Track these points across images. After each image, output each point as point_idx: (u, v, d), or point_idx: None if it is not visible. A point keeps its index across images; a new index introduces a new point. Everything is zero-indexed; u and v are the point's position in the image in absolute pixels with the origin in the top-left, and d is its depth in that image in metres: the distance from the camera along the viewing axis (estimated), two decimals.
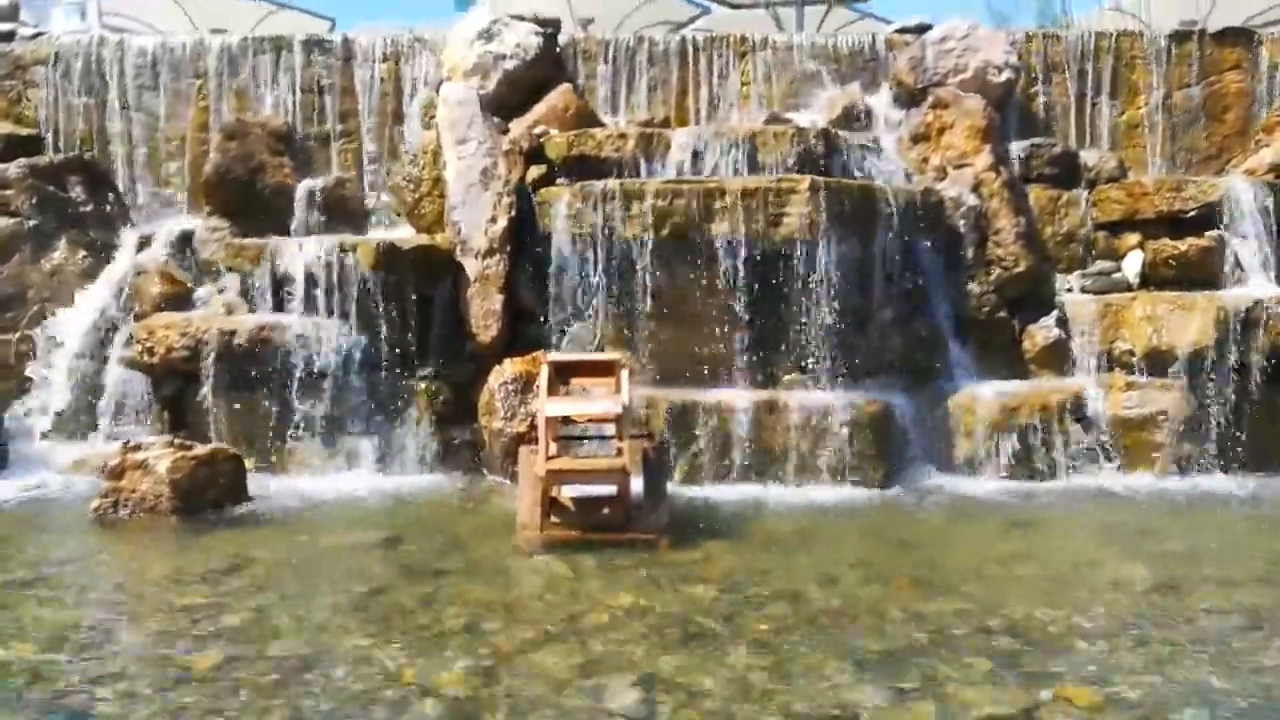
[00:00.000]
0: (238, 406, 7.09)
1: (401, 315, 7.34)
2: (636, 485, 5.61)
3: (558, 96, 8.76)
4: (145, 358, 7.23)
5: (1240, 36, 9.56)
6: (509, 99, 8.78)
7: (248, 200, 8.69)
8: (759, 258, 7.01)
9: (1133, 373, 7.40)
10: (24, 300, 8.16)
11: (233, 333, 7.05)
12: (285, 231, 8.55)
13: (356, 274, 7.25)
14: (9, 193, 8.28)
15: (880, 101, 9.23)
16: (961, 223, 7.92)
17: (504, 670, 3.82)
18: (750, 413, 6.84)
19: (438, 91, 8.65)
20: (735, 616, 4.40)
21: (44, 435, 7.65)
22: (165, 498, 6.00)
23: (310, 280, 7.30)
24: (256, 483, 6.57)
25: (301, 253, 7.39)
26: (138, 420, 7.64)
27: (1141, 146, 9.51)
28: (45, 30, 10.08)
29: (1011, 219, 7.97)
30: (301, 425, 7.08)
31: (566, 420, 5.84)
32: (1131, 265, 8.16)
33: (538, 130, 8.28)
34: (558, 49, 9.31)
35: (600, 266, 7.20)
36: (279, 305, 7.44)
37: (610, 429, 5.78)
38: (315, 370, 7.09)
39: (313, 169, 9.35)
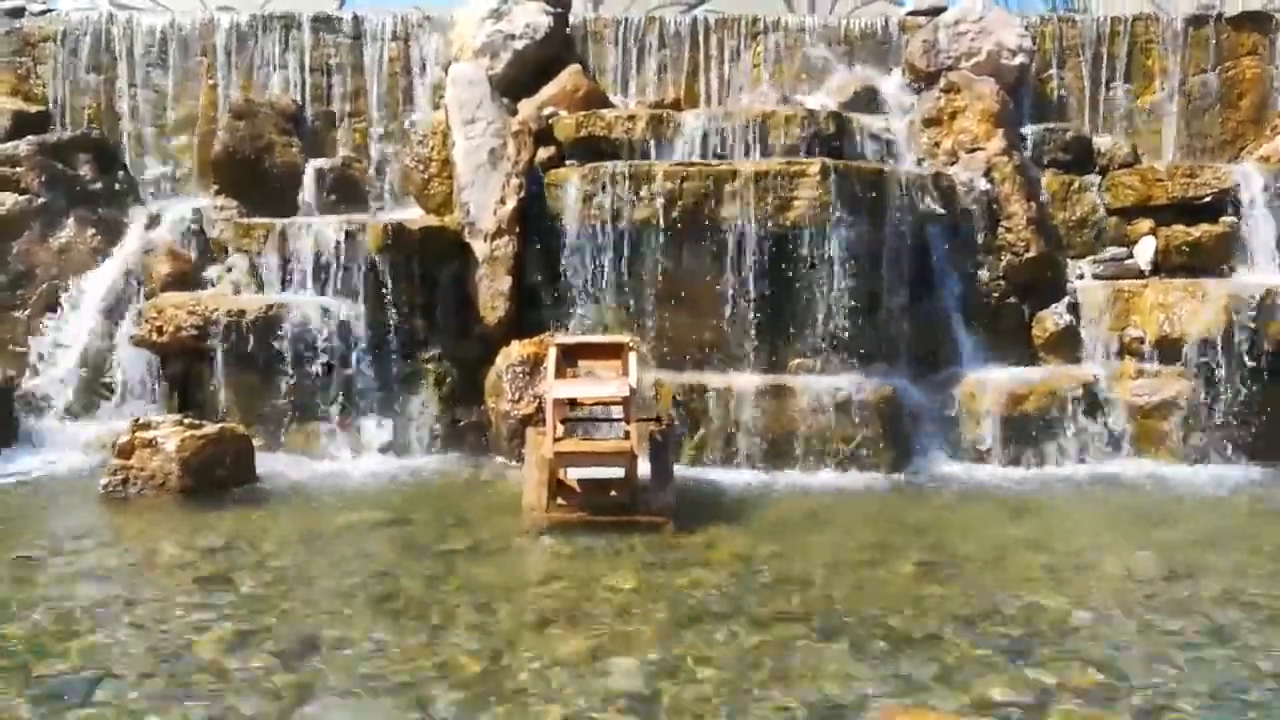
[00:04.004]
0: (246, 386, 7.09)
1: (409, 296, 7.33)
2: (643, 468, 5.61)
3: (567, 77, 8.71)
4: (154, 336, 7.23)
5: (1258, 21, 9.44)
6: (518, 79, 8.72)
7: (255, 180, 8.68)
8: (769, 241, 6.98)
9: (1143, 360, 7.35)
10: (33, 278, 8.16)
11: (241, 312, 7.05)
12: (293, 211, 8.54)
13: (364, 255, 7.23)
14: (18, 170, 8.27)
15: (892, 84, 9.16)
16: (973, 207, 7.86)
17: (509, 652, 3.83)
18: (758, 397, 6.82)
19: (447, 71, 8.61)
20: (740, 600, 4.40)
21: (54, 413, 7.67)
22: (174, 476, 6.02)
23: (318, 260, 7.29)
24: (264, 462, 6.58)
25: (310, 233, 7.37)
26: (146, 398, 7.66)
27: (1156, 132, 9.42)
28: (54, 7, 10.05)
29: (1023, 204, 7.91)
30: (309, 405, 7.08)
31: (574, 403, 5.84)
32: (1144, 252, 8.10)
33: (547, 111, 8.24)
34: (568, 29, 9.25)
35: (609, 249, 7.18)
36: (287, 285, 7.43)
37: (617, 411, 5.77)
38: (323, 350, 7.09)
39: (321, 149, 9.32)
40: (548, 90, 8.61)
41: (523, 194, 7.57)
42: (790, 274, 7.03)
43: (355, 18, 9.69)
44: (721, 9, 9.99)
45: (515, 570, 4.91)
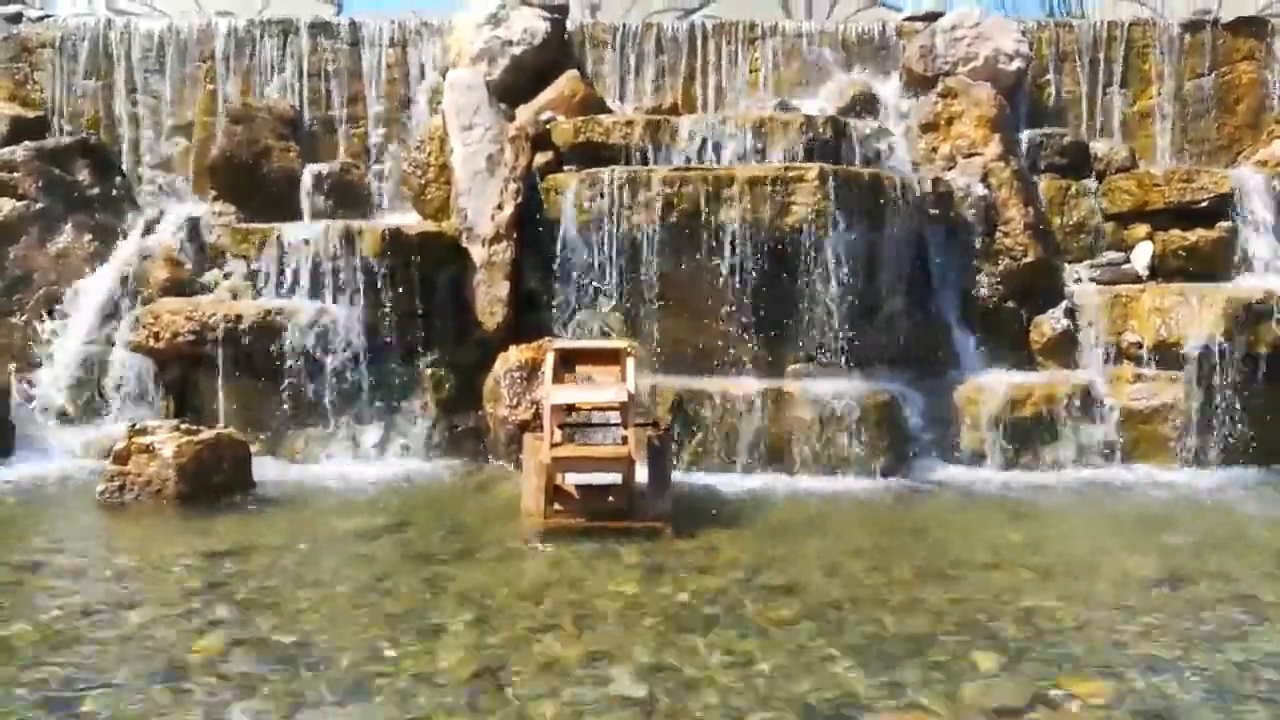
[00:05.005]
0: (243, 391, 7.08)
1: (407, 301, 7.33)
2: (641, 473, 5.60)
3: (565, 83, 8.71)
4: (151, 342, 7.23)
5: (1254, 26, 9.46)
6: (516, 85, 8.73)
7: (253, 185, 8.68)
8: (767, 246, 6.98)
9: (1141, 364, 7.35)
10: (30, 284, 8.15)
11: (238, 317, 7.04)
12: (291, 216, 8.53)
13: (362, 260, 7.23)
14: (15, 175, 8.26)
15: (890, 90, 9.17)
16: (970, 212, 7.87)
17: (506, 658, 3.82)
18: (756, 402, 6.82)
19: (444, 77, 8.61)
20: (739, 605, 4.39)
21: (50, 418, 7.65)
22: (171, 482, 6.00)
23: (316, 265, 7.29)
24: (261, 467, 6.57)
25: (307, 238, 7.36)
26: (143, 404, 7.64)
27: (1152, 137, 9.43)
28: (52, 13, 10.05)
29: (1020, 209, 7.92)
30: (306, 410, 7.08)
31: (571, 408, 5.83)
32: (1141, 256, 8.11)
33: (544, 117, 8.24)
34: (565, 35, 9.26)
35: (607, 254, 7.18)
36: (284, 290, 7.42)
37: (615, 417, 5.77)
38: (320, 356, 7.08)
39: (319, 154, 9.33)
40: (545, 96, 8.62)
41: (520, 199, 7.57)
42: (788, 279, 7.03)
43: (353, 23, 9.70)
44: (719, 14, 10.01)
45: (513, 576, 4.90)
